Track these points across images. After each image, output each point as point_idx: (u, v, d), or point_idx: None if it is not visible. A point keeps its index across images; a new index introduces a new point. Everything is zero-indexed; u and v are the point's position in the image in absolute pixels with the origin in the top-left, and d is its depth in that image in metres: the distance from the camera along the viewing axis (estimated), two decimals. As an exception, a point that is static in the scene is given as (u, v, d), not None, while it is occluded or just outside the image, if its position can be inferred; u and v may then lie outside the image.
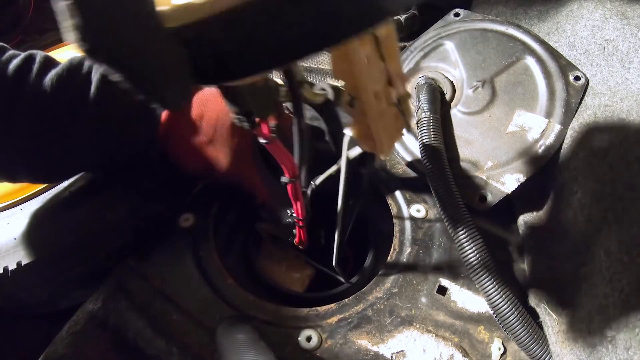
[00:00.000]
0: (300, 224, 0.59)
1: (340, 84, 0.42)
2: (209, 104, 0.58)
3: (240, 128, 0.40)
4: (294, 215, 0.57)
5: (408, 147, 0.70)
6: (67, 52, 0.99)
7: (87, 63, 0.51)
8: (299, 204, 0.54)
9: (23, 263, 0.61)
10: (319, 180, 0.56)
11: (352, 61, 0.32)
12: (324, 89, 0.47)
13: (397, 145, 0.72)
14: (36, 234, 0.63)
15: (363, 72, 0.33)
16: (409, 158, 0.70)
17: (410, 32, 0.96)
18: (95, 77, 0.51)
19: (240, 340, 0.47)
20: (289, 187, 0.50)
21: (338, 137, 0.56)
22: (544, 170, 0.64)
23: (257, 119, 0.37)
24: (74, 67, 0.51)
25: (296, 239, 0.63)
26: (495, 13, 0.84)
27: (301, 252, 0.69)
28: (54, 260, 0.62)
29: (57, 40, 1.11)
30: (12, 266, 0.61)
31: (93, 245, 0.64)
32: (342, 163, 0.48)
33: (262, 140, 0.40)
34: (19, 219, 0.65)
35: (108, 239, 0.65)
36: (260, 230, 0.66)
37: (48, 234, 0.63)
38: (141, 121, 0.56)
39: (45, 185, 0.67)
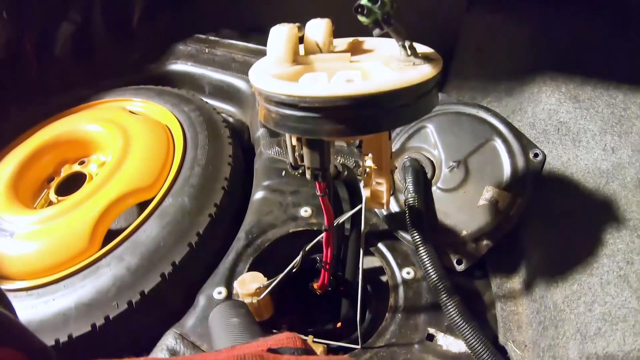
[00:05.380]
0: (327, 267, 0.73)
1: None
2: None
3: None
4: (323, 260, 0.72)
5: (399, 221, 0.82)
6: (76, 121, 1.04)
7: None
8: (329, 249, 0.69)
9: (74, 335, 0.71)
10: (342, 219, 0.71)
11: (382, 141, 0.56)
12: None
13: (390, 221, 0.84)
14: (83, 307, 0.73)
15: (386, 149, 0.56)
16: (399, 230, 0.82)
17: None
18: None
19: (234, 323, 0.48)
20: (325, 234, 0.67)
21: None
22: (510, 235, 0.77)
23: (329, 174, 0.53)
24: None
25: (319, 283, 0.76)
26: (469, 87, 0.95)
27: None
28: (102, 333, 0.72)
29: (64, 105, 1.07)
30: (64, 339, 0.71)
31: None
32: (362, 207, 0.67)
33: (319, 193, 0.58)
34: (64, 295, 0.75)
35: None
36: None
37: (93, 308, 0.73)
38: None
39: (84, 263, 0.77)
